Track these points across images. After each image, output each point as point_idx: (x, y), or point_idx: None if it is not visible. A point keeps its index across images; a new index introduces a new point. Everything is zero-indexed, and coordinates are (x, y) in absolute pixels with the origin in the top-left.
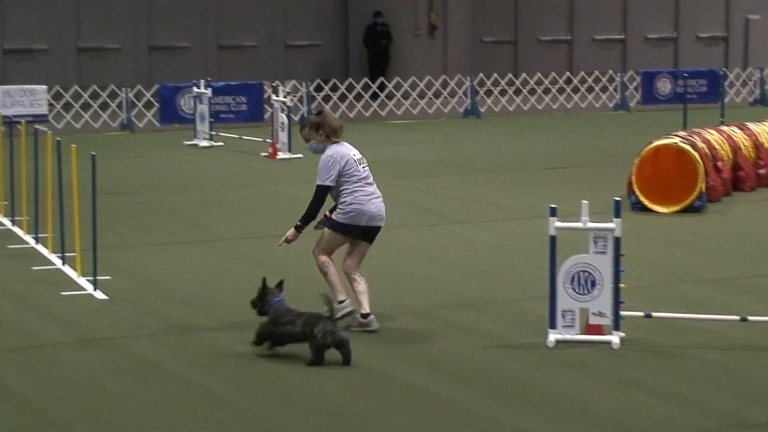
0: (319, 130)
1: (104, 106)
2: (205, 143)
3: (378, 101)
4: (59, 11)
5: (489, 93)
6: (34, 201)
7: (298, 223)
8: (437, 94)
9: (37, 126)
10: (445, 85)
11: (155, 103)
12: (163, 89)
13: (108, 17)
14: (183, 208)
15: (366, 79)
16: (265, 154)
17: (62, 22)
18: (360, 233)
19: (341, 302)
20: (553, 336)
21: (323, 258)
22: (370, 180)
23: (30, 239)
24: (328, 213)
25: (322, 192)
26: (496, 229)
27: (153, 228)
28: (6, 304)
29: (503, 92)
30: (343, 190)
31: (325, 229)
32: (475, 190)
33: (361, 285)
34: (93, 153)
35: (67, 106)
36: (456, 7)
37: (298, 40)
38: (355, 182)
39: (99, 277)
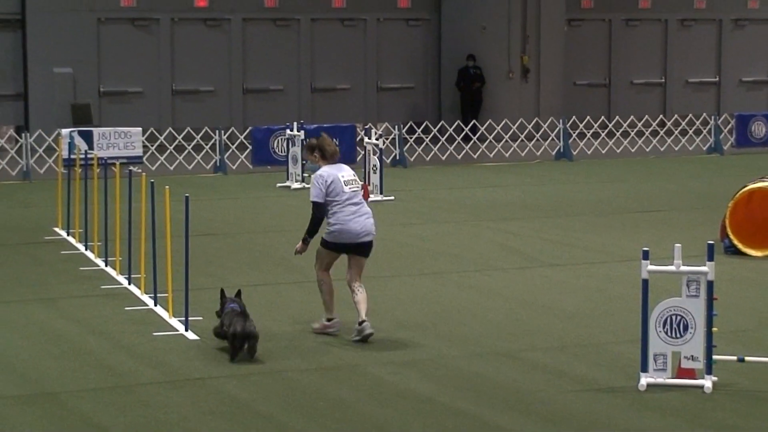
0: (314, 152)
1: (198, 148)
2: (297, 185)
3: (470, 144)
4: (154, 55)
5: (581, 136)
6: (127, 242)
7: (305, 236)
8: (530, 137)
9: (131, 167)
10: (537, 127)
11: (248, 145)
12: (256, 131)
13: (202, 60)
14: (275, 249)
15: (458, 122)
16: None
17: (157, 65)
18: (350, 249)
19: (329, 320)
20: (644, 380)
21: (320, 275)
22: (356, 200)
23: (123, 279)
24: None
25: (314, 207)
26: (588, 272)
27: (245, 269)
28: (99, 344)
29: (596, 135)
30: (330, 209)
31: (320, 248)
32: (566, 233)
33: (359, 295)
34: (186, 195)
35: (161, 148)
36: (549, 50)
37: (391, 83)
38: (340, 202)
39: (190, 318)
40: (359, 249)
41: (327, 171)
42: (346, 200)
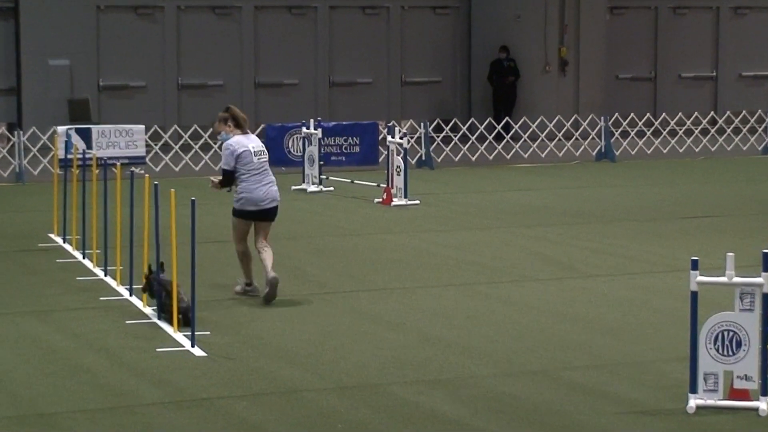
0: (228, 122)
1: (206, 148)
2: (314, 188)
3: (503, 143)
4: (159, 46)
5: (625, 134)
6: (129, 250)
7: (218, 184)
8: (568, 136)
9: (133, 168)
10: (576, 125)
11: None
12: (269, 129)
13: (211, 52)
14: (290, 259)
15: (490, 119)
16: (380, 200)
17: (162, 58)
18: (256, 216)
19: (248, 285)
20: (693, 401)
21: (239, 247)
22: (263, 170)
23: (124, 291)
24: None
25: (224, 174)
26: (632, 283)
27: (257, 279)
28: (98, 361)
29: (640, 134)
30: (239, 178)
31: (232, 218)
32: (608, 241)
33: (264, 254)
34: (193, 198)
35: (166, 148)
36: (589, 40)
37: (417, 77)
38: (247, 172)
39: (197, 332)
40: (265, 215)
41: (238, 140)
42: (253, 170)
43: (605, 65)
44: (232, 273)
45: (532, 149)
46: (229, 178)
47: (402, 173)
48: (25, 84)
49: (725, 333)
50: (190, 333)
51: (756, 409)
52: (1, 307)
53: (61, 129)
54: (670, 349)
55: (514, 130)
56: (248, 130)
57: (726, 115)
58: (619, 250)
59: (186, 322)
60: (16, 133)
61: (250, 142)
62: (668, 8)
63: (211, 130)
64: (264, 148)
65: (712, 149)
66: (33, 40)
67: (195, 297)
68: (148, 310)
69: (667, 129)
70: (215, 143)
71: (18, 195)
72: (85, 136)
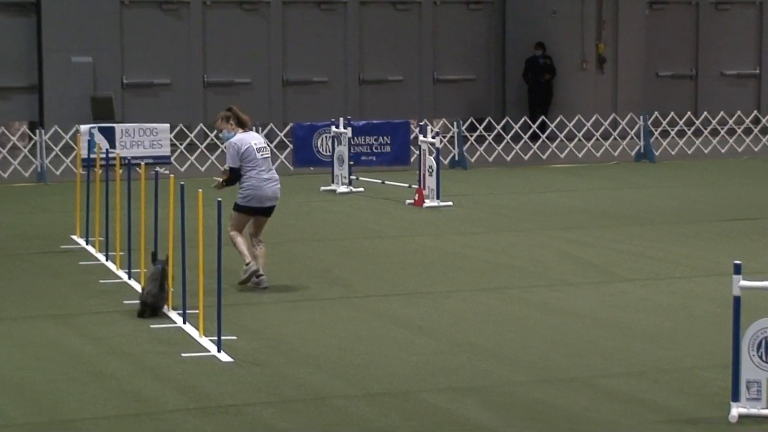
0: (230, 120)
1: None
2: (343, 189)
3: (538, 143)
4: (184, 42)
5: (665, 134)
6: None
7: (223, 184)
8: (606, 135)
9: (157, 168)
10: (614, 124)
11: (289, 143)
12: (297, 128)
13: (238, 49)
14: (318, 261)
15: (525, 118)
16: (411, 201)
17: (187, 54)
18: (258, 212)
19: (247, 264)
20: (735, 410)
21: (232, 233)
22: (266, 167)
23: None
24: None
25: (230, 172)
26: (672, 288)
27: (284, 283)
28: (121, 366)
29: (681, 133)
30: (244, 174)
31: (232, 211)
32: (647, 244)
33: (260, 250)
34: (219, 199)
35: (192, 147)
36: (628, 36)
37: (449, 74)
38: (253, 168)
39: (223, 337)
40: (266, 211)
41: (241, 138)
42: (257, 166)
43: (644, 62)
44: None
45: (568, 149)
46: (235, 176)
47: (434, 174)
48: (47, 81)
49: None
50: (216, 338)
51: None
52: (22, 310)
53: (83, 128)
54: (711, 355)
55: (550, 130)
56: (250, 128)
57: None
58: (658, 253)
59: (152, 314)
60: (37, 131)
61: (252, 139)
62: (710, 3)
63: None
64: (266, 144)
65: (756, 149)
66: (55, 37)
67: (221, 300)
68: (174, 315)
69: (709, 128)
70: None
71: (40, 195)
72: (109, 135)
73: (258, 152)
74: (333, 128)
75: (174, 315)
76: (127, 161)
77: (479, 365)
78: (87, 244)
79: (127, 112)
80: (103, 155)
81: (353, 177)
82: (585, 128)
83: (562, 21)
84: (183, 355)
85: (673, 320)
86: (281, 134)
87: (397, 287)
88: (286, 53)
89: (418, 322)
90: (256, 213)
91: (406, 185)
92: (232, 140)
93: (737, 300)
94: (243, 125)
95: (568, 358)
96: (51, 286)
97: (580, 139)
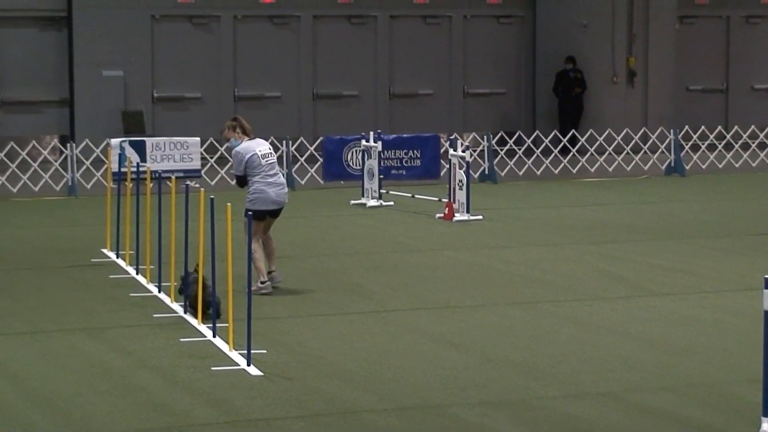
0: (236, 130)
1: None
2: (373, 203)
3: (569, 156)
4: (215, 56)
5: (695, 148)
6: (183, 265)
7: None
8: (636, 149)
9: (188, 182)
10: (645, 138)
11: (319, 157)
12: (327, 142)
13: (268, 63)
14: (348, 275)
15: (555, 132)
16: (441, 215)
17: (218, 68)
18: (267, 214)
19: (263, 282)
20: (766, 425)
21: (253, 245)
22: (273, 172)
23: (178, 308)
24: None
25: (237, 179)
26: (703, 302)
27: (314, 296)
28: (151, 380)
29: (711, 147)
30: (250, 180)
31: (245, 219)
32: (678, 258)
33: (270, 247)
34: (249, 212)
35: (222, 161)
36: (659, 50)
37: (479, 88)
38: (258, 173)
39: (253, 351)
40: (274, 213)
41: (246, 146)
42: (263, 172)
43: (675, 76)
44: (290, 290)
45: (599, 163)
46: (241, 183)
47: (464, 187)
48: (78, 95)
49: None
50: (245, 351)
51: None
52: (53, 323)
53: (114, 141)
54: (742, 370)
55: (580, 144)
56: (254, 135)
57: None
58: (689, 267)
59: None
60: (68, 145)
61: (258, 146)
62: (740, 17)
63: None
64: (271, 150)
65: None
66: (86, 51)
67: (251, 314)
68: (203, 328)
69: (740, 142)
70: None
71: (70, 209)
72: (139, 148)
73: (263, 158)
74: (363, 142)
75: (204, 328)
76: (157, 175)
77: (510, 380)
78: (117, 258)
79: (158, 125)
80: (134, 169)
81: (383, 191)
82: (615, 142)
83: (592, 35)
84: (213, 368)
85: (704, 334)
86: (311, 148)
87: (427, 301)
88: (316, 67)
89: (449, 336)
90: (263, 215)
91: (436, 199)
92: (237, 149)
93: (767, 314)
94: (247, 133)
95: (599, 372)
96: (81, 300)
97: (610, 153)
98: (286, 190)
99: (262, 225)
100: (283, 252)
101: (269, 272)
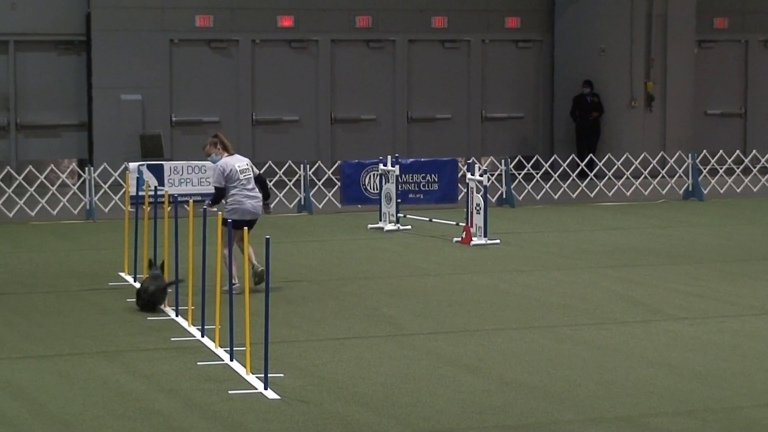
0: (217, 146)
1: (280, 185)
2: (391, 227)
3: (586, 181)
4: (233, 80)
5: (713, 172)
6: (201, 289)
7: (210, 203)
8: (654, 173)
9: (205, 206)
10: (663, 163)
11: (336, 181)
12: (345, 166)
13: (286, 87)
14: (366, 299)
15: (573, 156)
16: (458, 239)
17: (236, 92)
18: (243, 224)
19: (234, 284)
20: None
21: (224, 251)
22: (250, 186)
23: (195, 331)
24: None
25: (216, 191)
26: (721, 326)
27: (332, 320)
28: (169, 403)
29: (730, 171)
30: (228, 192)
31: (223, 228)
32: (696, 282)
33: (250, 249)
34: (267, 236)
35: None
36: (677, 75)
37: (497, 112)
38: (236, 187)
39: (270, 375)
40: (249, 224)
41: (226, 162)
42: (240, 185)
43: (693, 100)
44: (307, 314)
45: (616, 187)
46: (220, 194)
47: (482, 211)
48: (97, 119)
49: None
50: (263, 375)
51: None
52: (70, 347)
53: (132, 165)
54: (760, 395)
55: (598, 168)
56: (233, 152)
57: None
58: (707, 292)
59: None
60: (86, 169)
61: (236, 162)
62: (759, 41)
63: (286, 165)
64: (248, 167)
65: None
66: (105, 75)
67: (268, 337)
68: (221, 352)
69: (758, 166)
70: (290, 180)
71: (88, 232)
72: (157, 172)
73: (241, 173)
74: (381, 166)
75: (221, 352)
76: (175, 199)
77: (527, 404)
78: (135, 282)
79: (176, 149)
80: (152, 193)
81: (401, 215)
82: (633, 166)
83: (610, 59)
84: (230, 392)
85: (722, 359)
86: (329, 172)
87: (445, 325)
88: (334, 91)
89: (466, 361)
90: (243, 225)
91: (454, 223)
92: (219, 163)
93: None
94: (228, 150)
95: (616, 397)
96: (99, 323)
97: (628, 178)
98: (260, 203)
99: (239, 234)
100: (300, 276)
101: (254, 265)
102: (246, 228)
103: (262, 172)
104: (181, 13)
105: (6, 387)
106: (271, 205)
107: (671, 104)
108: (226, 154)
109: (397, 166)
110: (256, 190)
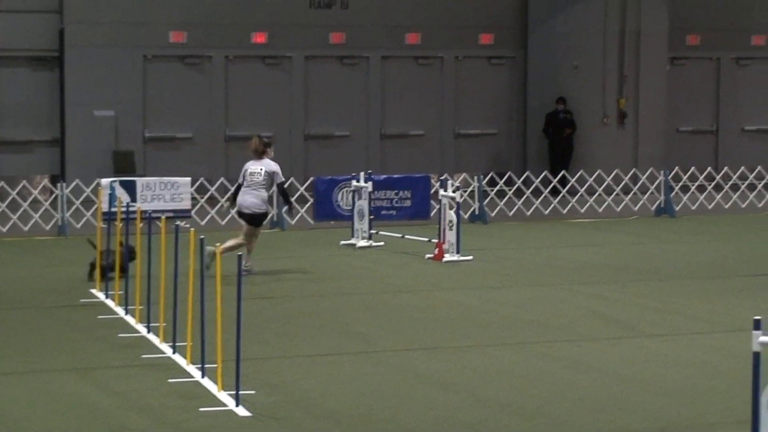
0: (251, 148)
1: None
2: (363, 243)
3: (559, 197)
4: (206, 96)
5: (685, 189)
6: (172, 306)
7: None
8: (626, 190)
9: (178, 222)
10: (635, 179)
11: (309, 197)
12: (318, 182)
13: (260, 103)
14: (338, 316)
15: (546, 173)
16: (431, 255)
17: (209, 108)
18: (243, 217)
19: (246, 265)
20: None
21: (230, 243)
22: (254, 186)
23: (167, 348)
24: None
25: (236, 185)
26: (693, 343)
27: (304, 337)
28: (139, 420)
29: (701, 188)
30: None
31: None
32: (668, 299)
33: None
34: (239, 253)
35: (212, 201)
36: (649, 92)
37: (470, 129)
38: (243, 184)
39: (242, 392)
40: (246, 218)
41: (247, 164)
42: (246, 183)
43: (665, 117)
44: (279, 330)
45: (589, 204)
46: (237, 188)
47: (454, 228)
48: (69, 135)
49: None
50: (234, 392)
51: None
52: (41, 363)
53: (105, 181)
54: (732, 411)
55: (570, 184)
56: (262, 157)
57: None
58: (679, 308)
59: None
60: (59, 185)
61: (251, 166)
62: (731, 59)
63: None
64: (260, 171)
65: None
66: (78, 91)
67: (240, 354)
68: (192, 369)
69: (729, 183)
70: None
71: (60, 248)
72: (130, 188)
73: (250, 175)
74: (354, 182)
75: (192, 369)
76: (148, 215)
77: (500, 420)
78: (106, 298)
79: (149, 165)
80: (124, 209)
81: (373, 231)
82: (605, 183)
83: (583, 76)
84: (201, 409)
85: (694, 376)
86: (302, 188)
87: (418, 342)
88: (308, 107)
89: (439, 377)
90: (242, 217)
91: (426, 239)
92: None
93: (757, 356)
94: (256, 154)
95: (590, 413)
96: (70, 340)
97: (600, 194)
98: (256, 201)
99: (245, 225)
100: (272, 292)
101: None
102: (245, 221)
103: (279, 182)
104: (154, 29)
105: None
106: (291, 211)
107: (644, 121)
108: (253, 158)
109: (370, 183)
110: (260, 191)
